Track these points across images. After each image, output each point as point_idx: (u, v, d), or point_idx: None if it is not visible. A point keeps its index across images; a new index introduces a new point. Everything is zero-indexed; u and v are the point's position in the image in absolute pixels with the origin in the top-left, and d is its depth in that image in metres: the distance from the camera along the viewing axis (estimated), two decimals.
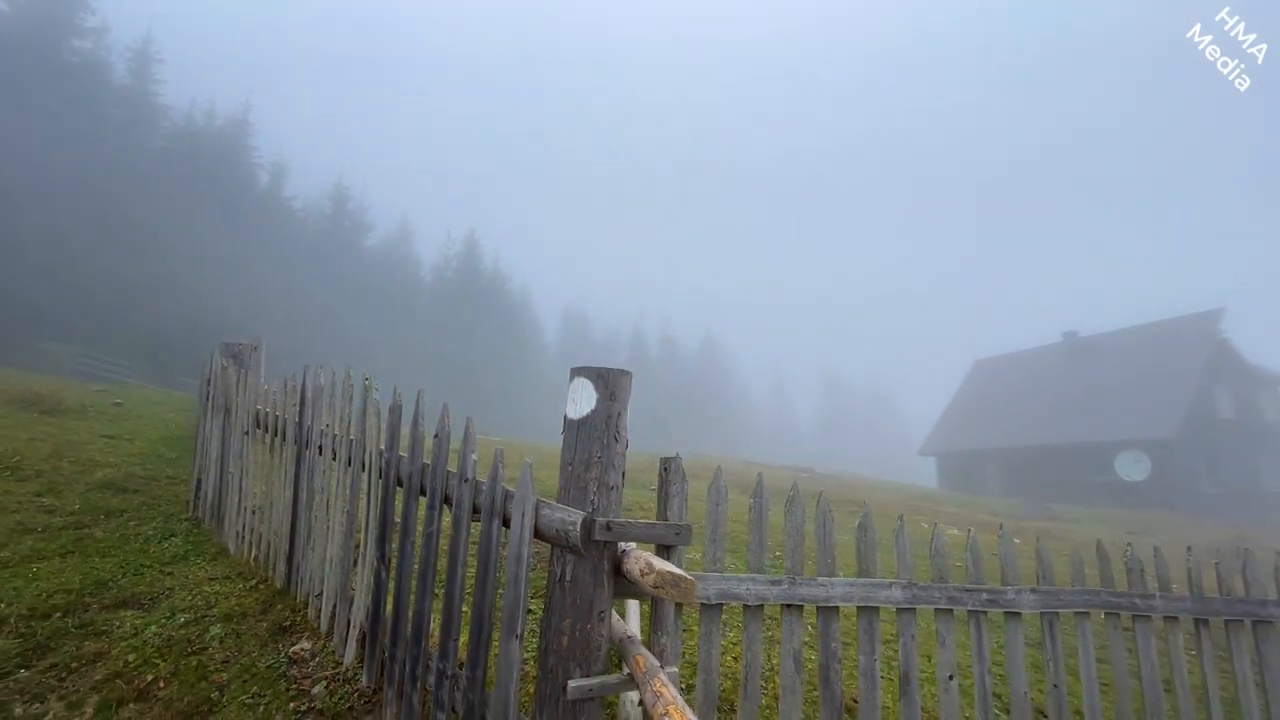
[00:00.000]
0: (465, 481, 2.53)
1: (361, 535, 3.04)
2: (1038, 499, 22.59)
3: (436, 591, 2.92)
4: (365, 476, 3.10)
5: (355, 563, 3.10)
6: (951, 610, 2.77)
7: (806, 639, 3.73)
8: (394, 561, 2.81)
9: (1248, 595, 3.09)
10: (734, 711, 2.90)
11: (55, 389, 10.05)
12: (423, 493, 2.76)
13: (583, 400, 2.30)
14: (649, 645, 2.26)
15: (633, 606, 3.19)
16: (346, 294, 45.16)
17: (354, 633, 2.93)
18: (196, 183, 37.49)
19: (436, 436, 2.73)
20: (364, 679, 2.79)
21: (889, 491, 19.62)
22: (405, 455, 2.88)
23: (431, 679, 2.46)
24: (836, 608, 2.65)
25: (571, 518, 2.11)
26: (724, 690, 3.11)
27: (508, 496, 2.36)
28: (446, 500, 2.64)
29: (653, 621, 2.27)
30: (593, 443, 2.24)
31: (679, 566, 2.41)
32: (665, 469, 2.42)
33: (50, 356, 20.58)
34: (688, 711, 1.65)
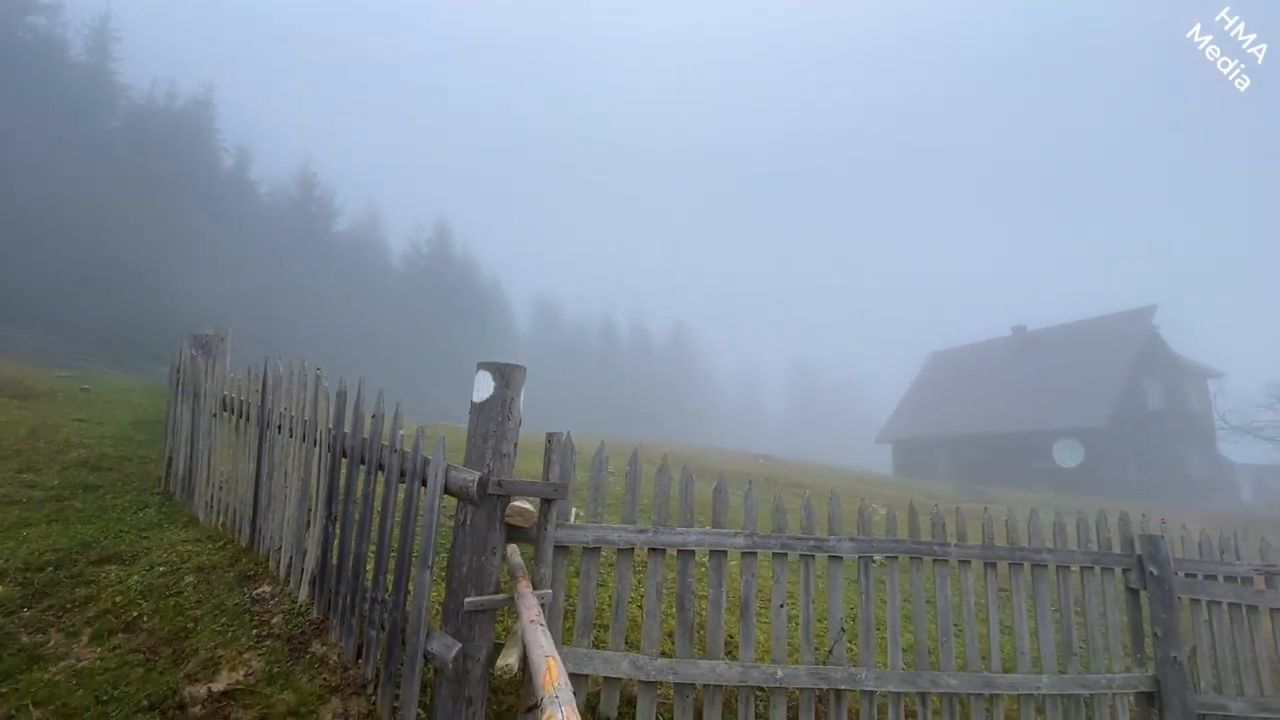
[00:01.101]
0: (394, 452, 3.18)
1: (313, 499, 3.68)
2: (981, 484, 23.98)
3: (371, 539, 3.57)
4: (316, 450, 3.73)
5: (308, 522, 3.73)
6: (785, 554, 3.53)
7: (668, 576, 4.50)
8: (339, 518, 3.46)
9: (1030, 544, 3.92)
10: (607, 629, 3.63)
11: (20, 375, 10.34)
12: (362, 462, 3.41)
13: (484, 388, 2.98)
14: (532, 574, 2.96)
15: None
16: (315, 280, 44.84)
17: (306, 577, 3.58)
18: (158, 165, 36.82)
19: (374, 417, 3.38)
20: (315, 612, 3.45)
21: (839, 476, 20.69)
22: (349, 432, 3.52)
23: (366, 606, 3.13)
24: (692, 551, 3.39)
25: (471, 477, 2.79)
26: (601, 613, 3.85)
27: (426, 463, 3.03)
28: (380, 467, 3.30)
29: (535, 556, 2.98)
30: (489, 421, 2.93)
31: (562, 518, 3.13)
32: (549, 442, 3.12)
33: (10, 342, 20.42)
34: (541, 617, 2.36)
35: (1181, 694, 3.77)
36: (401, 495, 3.13)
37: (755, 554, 3.50)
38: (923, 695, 3.51)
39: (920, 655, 3.61)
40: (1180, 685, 3.79)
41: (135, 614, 3.44)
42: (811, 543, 3.57)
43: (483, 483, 2.78)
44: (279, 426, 4.13)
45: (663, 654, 3.36)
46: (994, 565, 3.87)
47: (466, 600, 2.73)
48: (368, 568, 3.23)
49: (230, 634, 3.28)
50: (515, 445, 3.02)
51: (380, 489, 3.31)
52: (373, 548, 3.23)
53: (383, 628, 3.03)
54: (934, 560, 3.78)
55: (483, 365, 3.02)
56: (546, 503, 3.02)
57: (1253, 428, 22.68)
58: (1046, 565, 3.94)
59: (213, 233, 38.85)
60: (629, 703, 3.26)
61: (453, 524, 2.99)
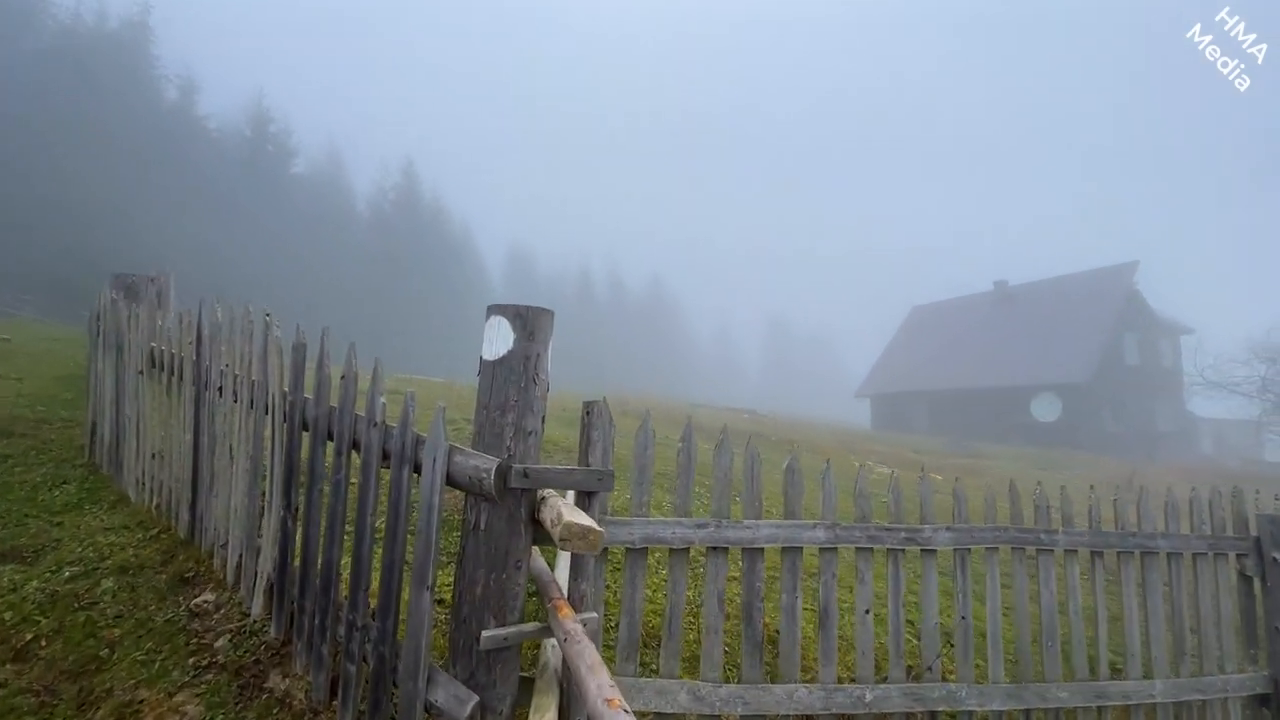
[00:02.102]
0: (374, 426, 2.34)
1: (267, 482, 2.84)
2: (960, 438, 24.10)
3: (346, 541, 2.77)
4: (269, 420, 2.86)
5: (262, 511, 2.90)
6: (871, 549, 2.84)
7: (732, 577, 3.81)
8: (301, 510, 2.63)
9: (1139, 529, 3.32)
10: (659, 648, 2.94)
11: None
12: (330, 437, 2.56)
13: (499, 340, 2.14)
14: (569, 593, 2.20)
15: (564, 554, 3.14)
16: (273, 224, 42.23)
17: (261, 584, 2.76)
18: (91, 94, 33.51)
19: (343, 378, 2.51)
20: (272, 630, 2.65)
21: (825, 432, 20.45)
22: (310, 397, 2.66)
23: (341, 630, 2.34)
24: (761, 549, 2.67)
25: (486, 464, 1.98)
26: (651, 627, 3.15)
27: (418, 442, 2.20)
28: (355, 446, 2.46)
29: (572, 568, 2.21)
30: (509, 385, 2.10)
31: (602, 512, 2.35)
32: (588, 413, 2.31)
33: None
34: (597, 657, 1.60)
35: None
36: (396, 485, 2.31)
37: (836, 549, 2.80)
38: (1026, 711, 2.92)
39: (1023, 663, 3.01)
40: None
41: (30, 636, 2.60)
42: (903, 534, 2.88)
43: (502, 472, 1.98)
44: (220, 388, 3.23)
45: (726, 679, 2.67)
46: (1100, 554, 3.26)
47: (484, 635, 1.96)
48: (343, 578, 2.43)
49: (158, 664, 2.47)
50: (543, 420, 2.20)
51: (356, 475, 2.48)
52: (348, 553, 2.42)
53: (364, 661, 2.26)
54: (1037, 550, 3.14)
55: (496, 309, 2.17)
56: (586, 496, 2.24)
57: (1228, 383, 23.06)
58: (1158, 553, 3.34)
59: (158, 170, 35.91)
60: None
61: (460, 527, 2.18)
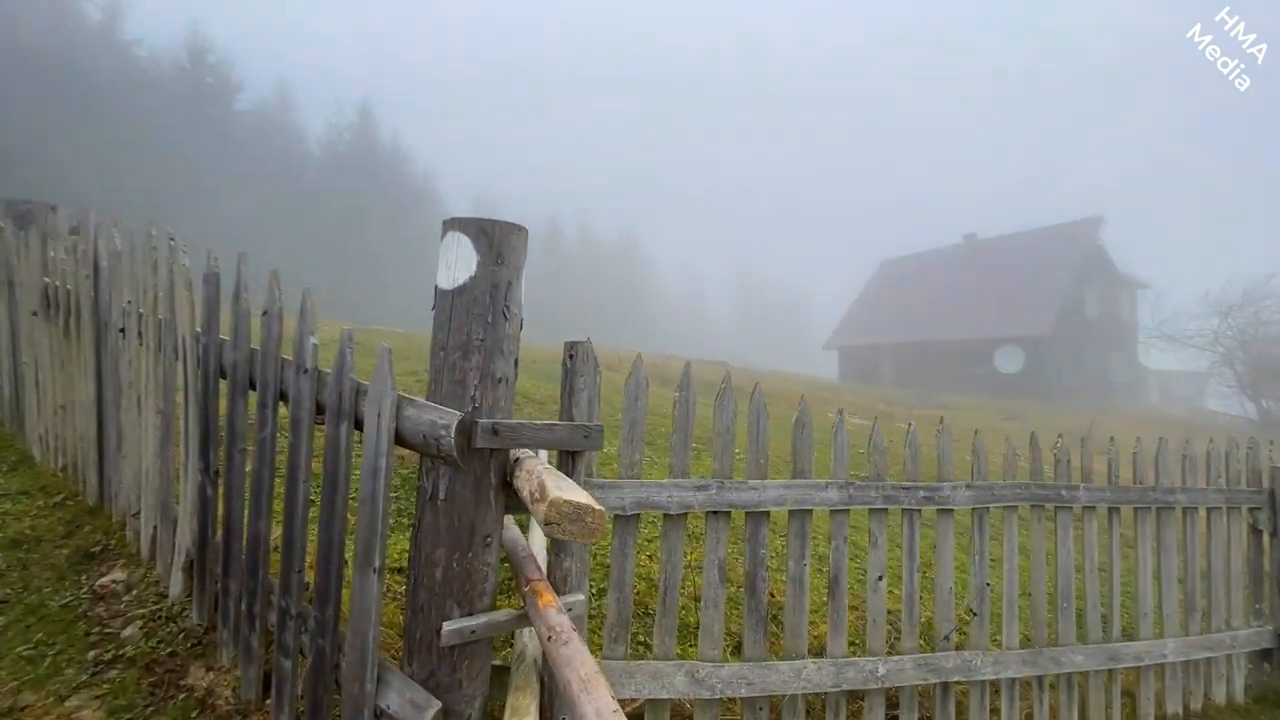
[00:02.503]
0: (304, 372, 1.89)
1: (181, 440, 2.37)
2: (925, 390, 24.51)
3: (278, 512, 2.35)
4: (180, 366, 2.37)
5: (178, 474, 2.44)
6: (885, 509, 2.54)
7: (733, 545, 3.52)
8: (222, 474, 2.18)
9: (1157, 484, 3.11)
10: (650, 630, 2.63)
11: None
12: (252, 387, 2.10)
13: (458, 264, 1.68)
14: (550, 570, 1.84)
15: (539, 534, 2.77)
16: (214, 165, 39.45)
17: (179, 559, 2.33)
18: None
19: (265, 315, 2.03)
20: (194, 616, 2.24)
21: (794, 383, 20.46)
22: (227, 339, 2.17)
23: (273, 617, 1.94)
24: (767, 512, 2.34)
25: (444, 419, 1.56)
26: (641, 596, 2.85)
27: (359, 391, 1.76)
28: (282, 397, 2.00)
29: (554, 546, 1.84)
30: (473, 320, 1.66)
31: (588, 474, 1.97)
32: (570, 356, 1.89)
33: None
34: (592, 664, 1.25)
35: None
36: (332, 445, 1.88)
37: (848, 511, 2.49)
38: (1039, 678, 2.73)
39: (1037, 627, 2.81)
40: None
41: None
42: (922, 493, 2.59)
43: (466, 428, 1.57)
44: (122, 329, 2.69)
45: (726, 657, 2.38)
46: (1117, 510, 3.05)
47: (446, 627, 1.59)
48: (273, 556, 2.01)
49: (49, 660, 2.05)
50: (516, 364, 1.78)
51: (285, 432, 2.03)
52: (279, 526, 2.00)
53: (302, 655, 1.87)
54: (1055, 509, 2.90)
55: (455, 224, 1.71)
56: (570, 457, 1.85)
57: (1183, 336, 23.83)
58: (1174, 508, 3.15)
59: (79, 99, 32.87)
60: None
61: (416, 496, 1.79)
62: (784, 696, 2.31)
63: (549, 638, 1.38)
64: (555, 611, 1.48)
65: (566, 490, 1.13)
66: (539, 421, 1.70)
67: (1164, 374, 34.55)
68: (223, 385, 2.23)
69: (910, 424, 2.65)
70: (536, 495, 1.19)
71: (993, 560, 2.99)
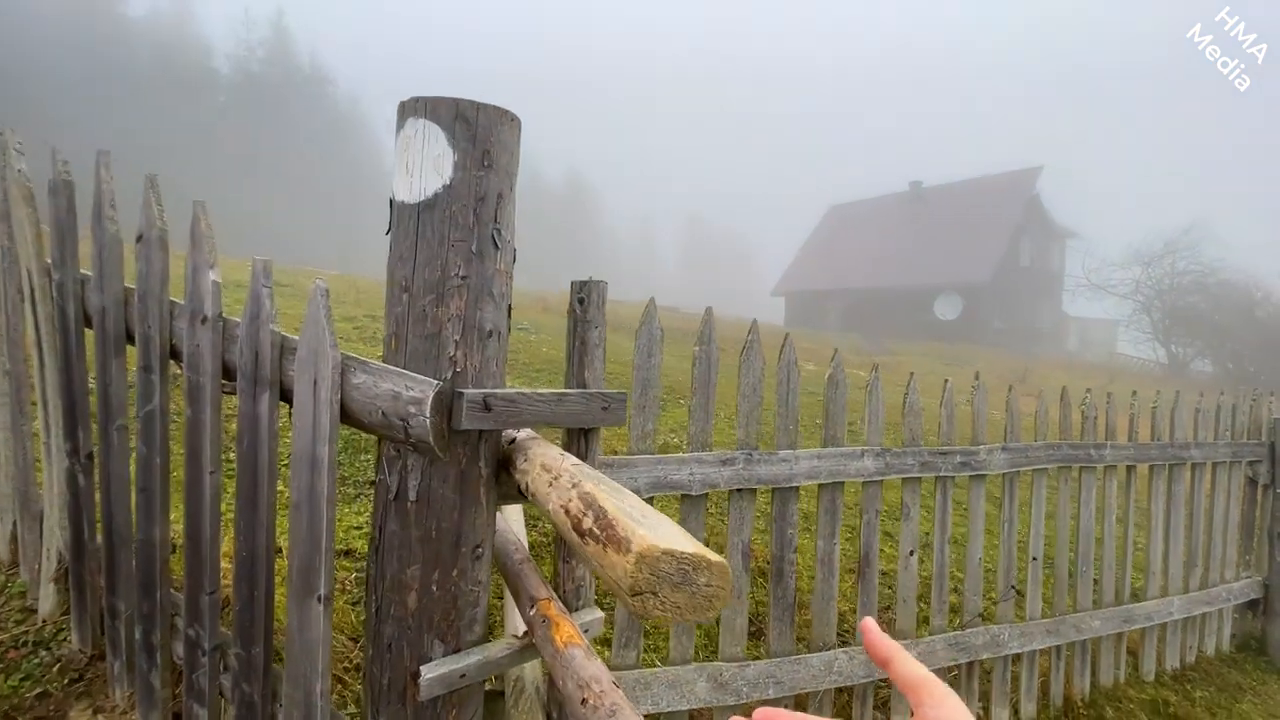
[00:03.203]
0: (202, 321, 1.34)
1: (41, 413, 1.77)
2: (870, 336, 25.07)
3: (177, 512, 1.83)
4: (28, 310, 1.75)
5: (40, 458, 1.85)
6: (919, 479, 2.24)
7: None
8: (97, 459, 1.62)
9: (1173, 440, 2.97)
10: (665, 632, 2.29)
11: None
12: (130, 341, 1.53)
13: (426, 165, 1.16)
14: (556, 580, 1.42)
15: (514, 506, 2.33)
16: (103, 80, 34.82)
17: (49, 567, 1.78)
18: None
19: (141, 240, 1.45)
20: (74, 640, 1.72)
21: (742, 329, 20.40)
22: (93, 275, 1.57)
23: (180, 648, 1.46)
24: (796, 488, 1.99)
25: (415, 390, 1.09)
26: None
27: (284, 349, 1.24)
28: (174, 355, 1.45)
29: (562, 542, 1.41)
30: (451, 249, 1.16)
31: (597, 450, 1.53)
32: (581, 299, 1.42)
33: None
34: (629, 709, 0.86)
35: None
36: (250, 425, 1.36)
37: (881, 482, 2.17)
38: (1057, 647, 2.58)
39: (1058, 593, 2.64)
40: None
41: None
42: (958, 458, 2.30)
43: (446, 403, 1.11)
44: None
45: (751, 654, 2.06)
46: (1133, 468, 2.89)
47: (427, 673, 1.16)
48: (176, 570, 1.51)
49: None
50: (510, 312, 1.30)
51: (182, 404, 1.49)
52: (185, 533, 1.49)
53: (223, 698, 1.41)
54: (1080, 468, 2.70)
55: (417, 107, 1.18)
56: (582, 436, 1.40)
57: (1107, 285, 25.10)
58: (1185, 463, 3.03)
59: None
60: None
61: (375, 494, 1.33)
62: (810, 693, 2.03)
63: (583, 700, 0.97)
64: (584, 655, 1.07)
65: (655, 527, 0.69)
66: (546, 391, 1.24)
67: (1083, 321, 36.75)
68: (82, 338, 1.64)
69: (946, 381, 2.33)
70: (594, 531, 0.74)
71: (1024, 528, 2.79)
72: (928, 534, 2.64)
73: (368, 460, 3.41)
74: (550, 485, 0.95)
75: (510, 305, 1.29)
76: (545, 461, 1.05)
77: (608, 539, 0.67)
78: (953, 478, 2.32)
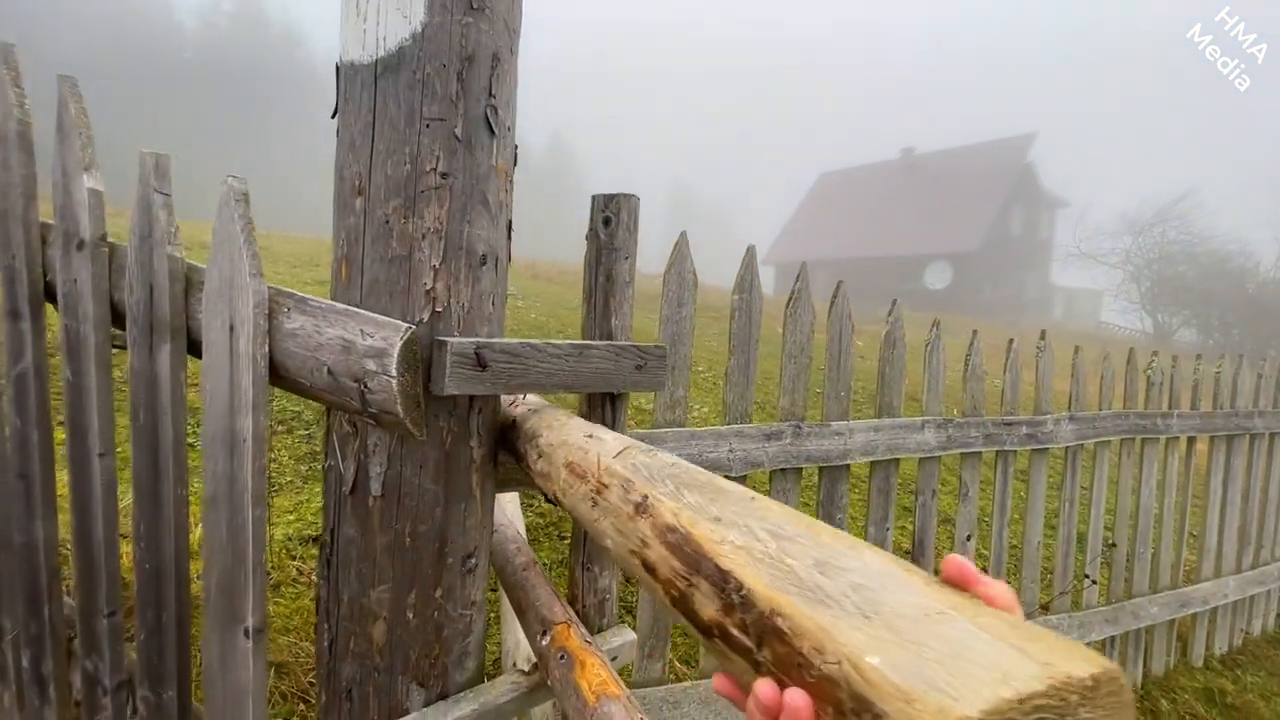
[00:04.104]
0: (78, 247, 0.96)
1: None
2: (861, 305, 24.85)
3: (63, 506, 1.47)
4: None
5: None
6: (980, 453, 1.94)
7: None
8: None
9: (1233, 408, 2.70)
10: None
11: None
12: None
13: (386, 7, 0.78)
14: (577, 592, 1.08)
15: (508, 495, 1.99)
16: (66, 38, 32.86)
17: None
18: None
19: None
20: None
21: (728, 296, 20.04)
22: None
23: (78, 683, 1.11)
24: (847, 466, 1.67)
25: (374, 338, 0.73)
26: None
27: (192, 282, 0.88)
28: (49, 296, 1.07)
29: (580, 544, 1.08)
30: (425, 130, 0.79)
31: (624, 423, 1.18)
32: (607, 219, 1.04)
33: None
34: None
35: None
36: (146, 386, 0.99)
37: (939, 458, 1.86)
38: (1112, 638, 2.33)
39: (1114, 576, 2.38)
40: None
41: None
42: (1024, 429, 1.99)
43: (419, 355, 0.75)
44: None
45: None
46: (1194, 440, 2.63)
47: None
48: (66, 582, 1.16)
49: None
50: (511, 229, 0.93)
51: (51, 358, 1.11)
52: (73, 534, 1.12)
53: None
54: (1143, 439, 2.42)
55: None
56: (606, 402, 1.04)
57: (1097, 254, 25.00)
58: (1245, 434, 2.77)
59: None
60: None
61: (324, 482, 0.98)
62: None
63: None
64: (623, 712, 0.75)
65: (874, 606, 0.34)
66: (561, 343, 0.88)
67: (1069, 290, 36.92)
68: None
69: (1012, 341, 2.01)
70: (738, 638, 0.37)
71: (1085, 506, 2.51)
72: (985, 514, 2.36)
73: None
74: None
75: (511, 221, 0.93)
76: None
77: (790, 662, 0.32)
78: (1015, 452, 2.02)
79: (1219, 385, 2.66)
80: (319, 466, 2.51)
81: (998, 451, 1.99)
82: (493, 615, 1.65)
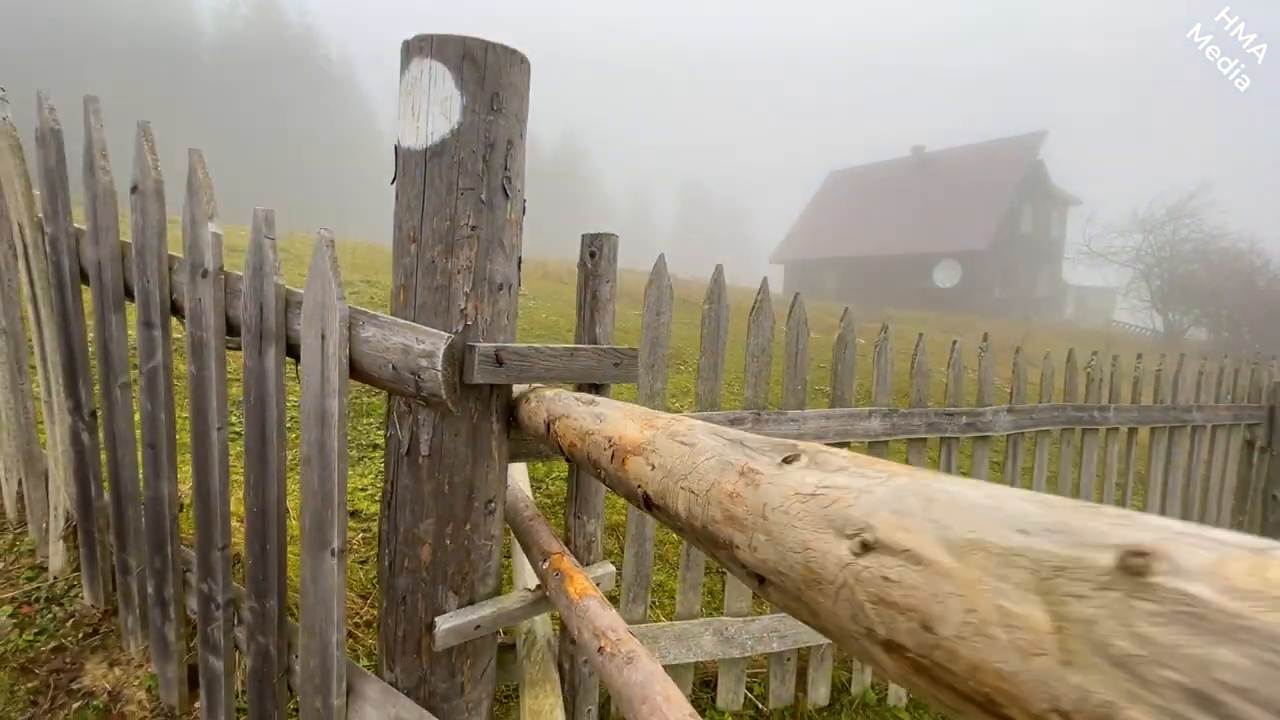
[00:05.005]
0: (201, 275, 1.31)
1: (40, 371, 1.75)
2: (867, 304, 25.01)
3: (185, 468, 1.82)
4: (21, 266, 1.71)
5: (42, 416, 1.83)
6: (925, 439, 2.25)
7: None
8: (101, 416, 1.61)
9: (1175, 403, 2.98)
10: (672, 587, 2.31)
11: None
12: (129, 297, 1.49)
13: (433, 109, 1.12)
14: (570, 535, 1.42)
15: (519, 467, 2.34)
16: (84, 39, 33.72)
17: (56, 525, 1.78)
18: None
19: (136, 191, 1.40)
20: (85, 596, 1.73)
21: (743, 296, 20.34)
22: (85, 230, 1.53)
23: (194, 603, 1.47)
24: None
25: (425, 343, 1.07)
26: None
27: (290, 302, 1.22)
28: (175, 311, 1.42)
29: (575, 499, 1.41)
30: (460, 198, 1.12)
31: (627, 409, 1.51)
32: (592, 253, 1.38)
33: None
34: (673, 688, 0.86)
35: None
36: (257, 380, 1.34)
37: (887, 443, 2.17)
38: None
39: None
40: None
41: None
42: (964, 419, 2.30)
43: (457, 356, 1.09)
44: None
45: (756, 611, 2.09)
46: (1134, 432, 2.91)
47: (442, 625, 1.17)
48: (185, 526, 1.51)
49: None
50: (520, 265, 1.26)
51: (186, 359, 1.46)
52: (193, 489, 1.48)
53: (236, 648, 1.43)
54: (1082, 430, 2.71)
55: (422, 46, 1.13)
56: (594, 389, 1.38)
57: (1108, 252, 24.97)
58: (1185, 426, 3.04)
59: None
60: (705, 683, 2.03)
61: (385, 448, 1.32)
62: (812, 646, 2.07)
63: (599, 648, 0.98)
64: (599, 605, 1.08)
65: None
66: (557, 346, 1.22)
67: (1080, 289, 36.71)
68: (78, 295, 1.61)
69: (955, 342, 2.32)
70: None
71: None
72: None
73: (369, 424, 3.41)
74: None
75: (520, 258, 1.26)
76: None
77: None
78: (957, 439, 2.32)
79: (1160, 381, 2.94)
80: (352, 454, 2.87)
81: (942, 438, 2.30)
82: (506, 557, 1.99)
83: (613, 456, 0.79)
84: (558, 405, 1.07)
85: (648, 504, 0.68)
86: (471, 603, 1.23)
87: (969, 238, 27.03)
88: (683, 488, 0.59)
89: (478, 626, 1.21)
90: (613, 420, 0.87)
